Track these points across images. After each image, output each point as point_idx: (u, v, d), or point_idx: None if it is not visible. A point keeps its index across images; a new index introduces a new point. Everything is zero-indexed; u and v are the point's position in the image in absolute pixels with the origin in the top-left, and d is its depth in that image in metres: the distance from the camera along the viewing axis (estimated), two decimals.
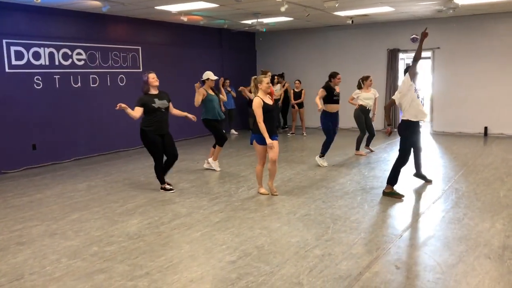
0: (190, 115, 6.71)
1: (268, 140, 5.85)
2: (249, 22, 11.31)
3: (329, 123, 8.03)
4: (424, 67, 14.37)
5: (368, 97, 9.09)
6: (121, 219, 5.38)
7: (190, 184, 7.07)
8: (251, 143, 6.12)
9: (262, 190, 6.35)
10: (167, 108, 6.39)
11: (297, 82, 12.77)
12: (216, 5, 8.94)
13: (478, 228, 4.78)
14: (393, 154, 9.24)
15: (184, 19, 9.96)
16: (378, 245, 4.38)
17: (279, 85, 12.89)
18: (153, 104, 6.19)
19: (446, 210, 5.44)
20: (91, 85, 9.70)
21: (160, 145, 6.33)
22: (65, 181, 7.50)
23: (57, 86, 9.06)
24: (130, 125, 10.44)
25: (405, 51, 12.64)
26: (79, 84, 9.45)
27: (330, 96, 7.97)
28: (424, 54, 13.38)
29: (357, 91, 9.20)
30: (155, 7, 9.06)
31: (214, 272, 3.85)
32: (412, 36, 12.29)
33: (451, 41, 11.82)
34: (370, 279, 3.66)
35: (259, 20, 10.77)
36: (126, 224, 5.21)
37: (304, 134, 12.43)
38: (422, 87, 14.09)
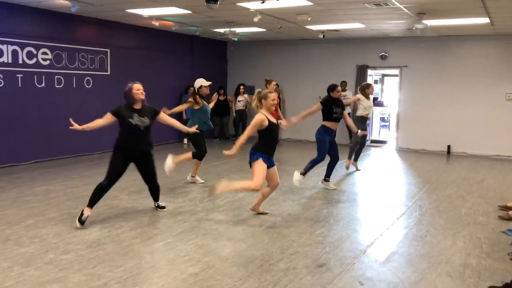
0: (191, 130, 6.09)
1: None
2: (221, 30, 11.27)
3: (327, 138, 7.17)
4: (392, 84, 14.71)
5: (369, 105, 8.76)
6: (80, 226, 5.17)
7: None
8: (250, 162, 5.34)
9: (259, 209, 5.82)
10: (148, 127, 5.43)
11: None
12: (189, 12, 8.86)
13: (440, 245, 4.84)
14: (360, 168, 9.33)
15: (156, 24, 9.81)
16: (343, 260, 4.36)
17: (245, 95, 12.92)
18: (130, 120, 5.30)
19: (409, 227, 5.49)
20: (56, 86, 9.40)
21: (121, 166, 5.43)
22: (22, 184, 7.19)
23: (20, 85, 8.73)
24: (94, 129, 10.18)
25: (374, 67, 12.88)
26: (43, 84, 9.15)
27: (329, 113, 7.10)
28: (391, 71, 13.78)
29: (360, 95, 8.71)
30: (126, 10, 8.89)
31: (176, 285, 3.73)
32: (381, 54, 12.55)
33: (419, 60, 12.12)
34: None
35: (232, 29, 10.74)
36: (85, 231, 5.01)
37: None
38: (389, 104, 14.42)
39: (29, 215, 5.56)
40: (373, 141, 13.51)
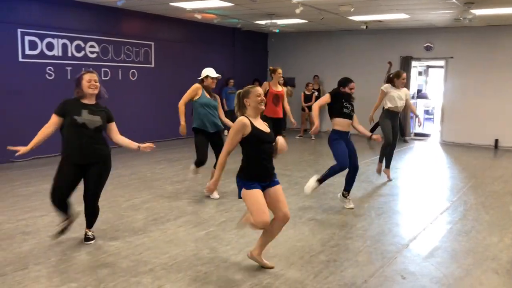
0: (144, 146, 4.53)
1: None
2: (263, 22, 11.29)
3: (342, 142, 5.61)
4: (437, 76, 14.32)
5: (400, 96, 7.16)
6: (126, 214, 5.37)
7: (196, 182, 7.05)
8: (240, 197, 3.75)
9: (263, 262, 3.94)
10: (98, 129, 4.19)
11: (310, 84, 12.79)
12: (231, 4, 8.93)
13: (486, 241, 4.72)
14: (401, 162, 9.17)
15: (198, 16, 9.95)
16: (384, 254, 4.34)
17: (286, 87, 12.89)
18: (75, 117, 4.07)
19: (454, 222, 5.38)
20: (102, 78, 9.70)
21: (68, 180, 4.16)
22: None
23: (69, 77, 9.08)
24: (139, 119, 10.49)
25: (418, 59, 12.57)
26: None
27: (338, 108, 5.67)
28: (437, 63, 13.37)
29: (387, 85, 7.23)
30: (170, 4, 9.06)
31: (218, 273, 3.83)
32: (426, 44, 12.22)
33: (465, 51, 11.73)
34: None
35: (273, 21, 10.75)
36: (132, 219, 5.21)
37: (312, 137, 12.40)
38: (434, 96, 14.04)
39: (79, 203, 5.75)
40: (416, 134, 13.21)
